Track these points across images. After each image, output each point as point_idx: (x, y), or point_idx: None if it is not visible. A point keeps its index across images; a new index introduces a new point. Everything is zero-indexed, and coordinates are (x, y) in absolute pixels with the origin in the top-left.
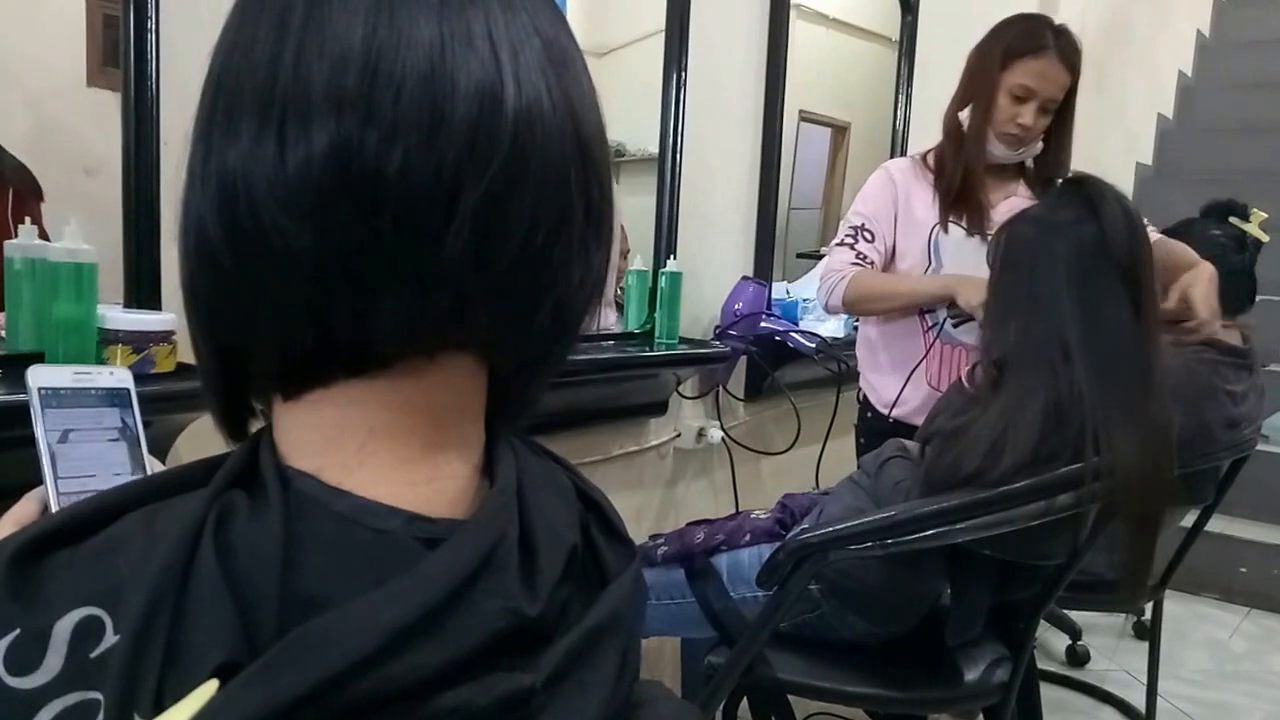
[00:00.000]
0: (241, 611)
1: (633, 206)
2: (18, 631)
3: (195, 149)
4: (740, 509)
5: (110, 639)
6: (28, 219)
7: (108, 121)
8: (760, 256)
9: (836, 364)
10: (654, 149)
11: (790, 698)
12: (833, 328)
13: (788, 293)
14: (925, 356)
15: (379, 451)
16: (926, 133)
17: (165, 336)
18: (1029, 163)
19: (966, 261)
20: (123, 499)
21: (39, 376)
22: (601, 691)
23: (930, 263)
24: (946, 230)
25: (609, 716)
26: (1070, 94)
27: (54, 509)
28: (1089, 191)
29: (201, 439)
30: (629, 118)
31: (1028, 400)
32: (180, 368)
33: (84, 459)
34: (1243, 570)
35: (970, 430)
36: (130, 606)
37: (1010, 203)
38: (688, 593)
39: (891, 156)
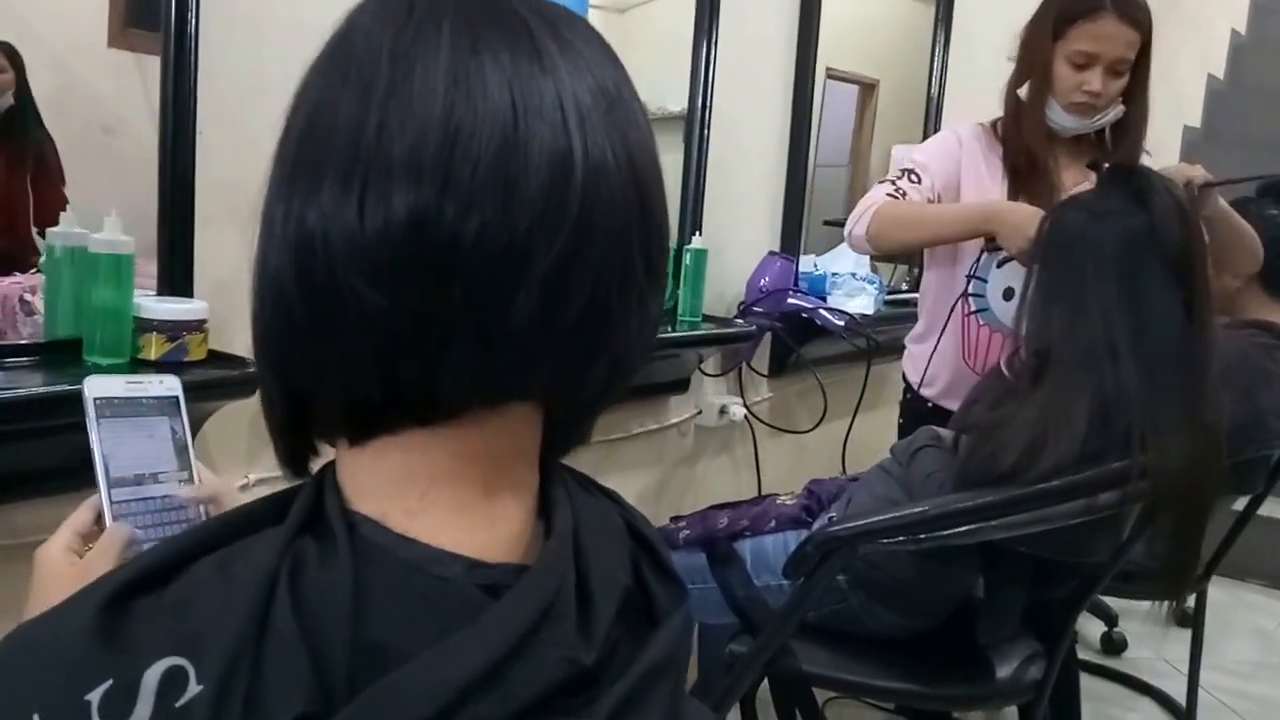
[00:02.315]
0: (315, 661)
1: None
2: (111, 682)
3: (274, 202)
4: (763, 488)
5: (194, 689)
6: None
7: (128, 82)
8: (788, 228)
9: (865, 340)
10: (673, 107)
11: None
12: (862, 304)
13: (815, 266)
14: (945, 325)
15: (441, 498)
16: (965, 94)
17: (198, 325)
18: (1106, 134)
19: None
20: (197, 543)
21: (94, 387)
22: None
23: (990, 245)
24: None
25: None
26: (1143, 52)
27: (107, 516)
28: (1138, 183)
29: (228, 424)
30: (649, 75)
31: (1072, 399)
32: (211, 355)
33: (135, 467)
34: None
35: (1009, 425)
36: (212, 657)
37: (1080, 187)
38: (708, 578)
39: (927, 118)
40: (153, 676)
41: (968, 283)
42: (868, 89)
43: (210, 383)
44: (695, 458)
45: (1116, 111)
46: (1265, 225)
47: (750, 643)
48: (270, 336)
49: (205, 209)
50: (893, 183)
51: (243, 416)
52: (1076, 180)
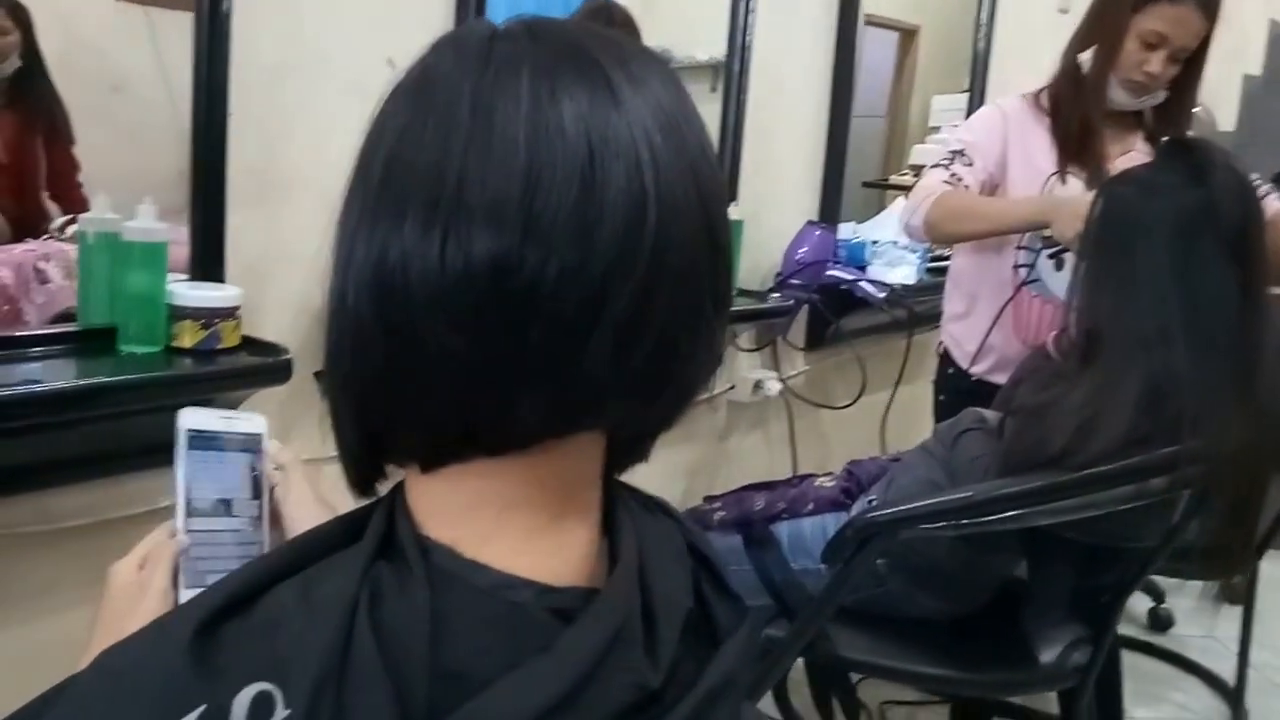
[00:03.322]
0: (396, 687)
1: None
2: (203, 708)
3: (354, 234)
4: (798, 465)
5: (281, 713)
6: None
7: (136, 39)
8: (828, 194)
9: (907, 311)
10: (702, 56)
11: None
12: (903, 274)
13: (855, 233)
14: (1007, 303)
15: (511, 524)
16: (1014, 48)
17: (231, 312)
18: (1146, 113)
19: None
20: (275, 568)
21: (189, 419)
22: None
23: None
24: (1064, 181)
25: None
26: (1204, 43)
27: (180, 534)
28: (1197, 157)
29: (258, 408)
30: (678, 21)
31: (1121, 382)
32: (244, 340)
33: (212, 498)
34: None
35: (1056, 408)
36: (298, 683)
37: (1128, 157)
38: (744, 560)
39: (974, 71)
40: (242, 701)
41: (1018, 254)
42: (908, 35)
43: (244, 370)
44: (728, 434)
45: (1159, 96)
46: None
47: (786, 627)
48: (346, 371)
49: (235, 192)
50: (945, 167)
51: (273, 401)
52: (1123, 152)
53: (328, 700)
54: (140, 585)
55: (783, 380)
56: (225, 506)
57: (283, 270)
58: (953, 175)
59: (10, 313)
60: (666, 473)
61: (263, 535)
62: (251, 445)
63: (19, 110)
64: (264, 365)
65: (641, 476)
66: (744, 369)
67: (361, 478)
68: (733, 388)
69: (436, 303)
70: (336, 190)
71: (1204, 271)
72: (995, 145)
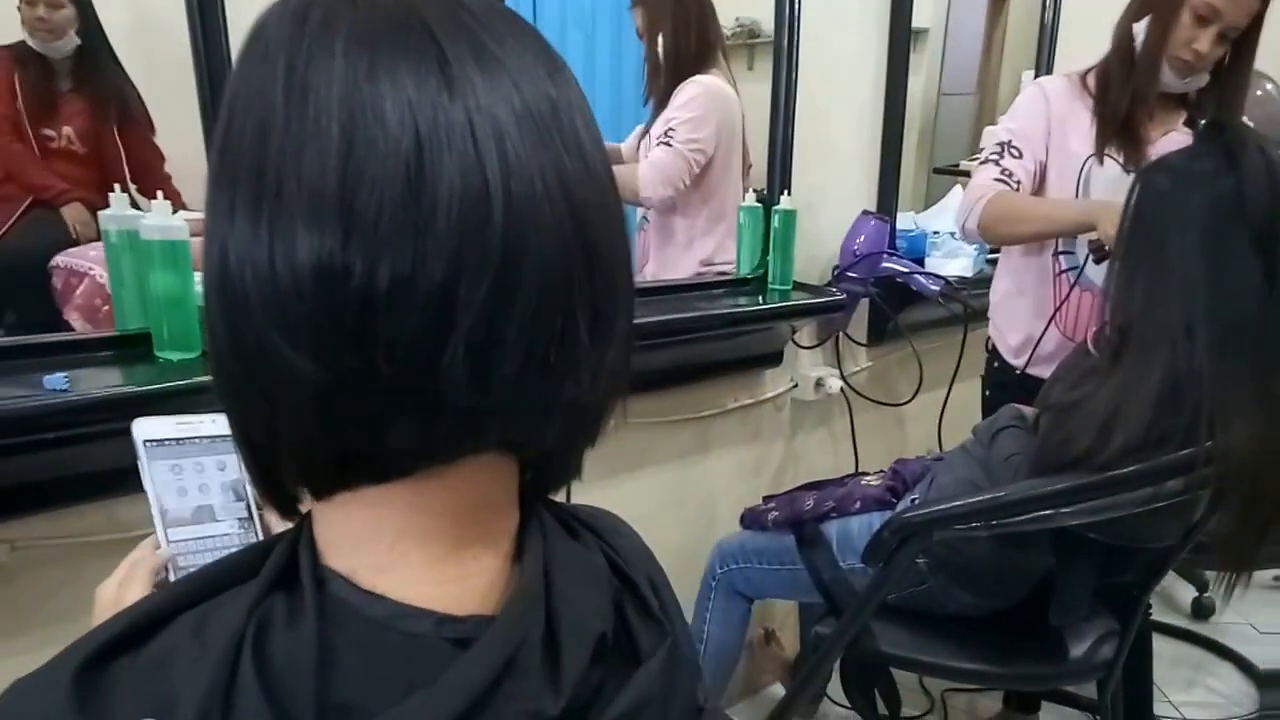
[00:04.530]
0: None
1: (757, 95)
2: None
3: (206, 222)
4: (859, 463)
5: None
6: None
7: None
8: (885, 181)
9: (963, 306)
10: (729, 26)
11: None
12: (961, 266)
13: (914, 224)
14: (1060, 304)
15: (409, 553)
16: (1085, 18)
17: None
18: (1191, 95)
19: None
20: (177, 600)
21: (143, 429)
22: None
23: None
24: (1101, 163)
25: None
26: (1256, 22)
27: (163, 546)
28: (1230, 140)
29: None
30: None
31: (1144, 378)
32: None
33: (191, 505)
34: None
35: (1084, 406)
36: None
37: (1170, 139)
38: (798, 558)
39: (1040, 42)
40: None
41: (1058, 241)
42: (996, 4)
43: None
44: (792, 432)
45: (1203, 79)
46: None
47: (834, 624)
48: (220, 388)
49: None
50: (995, 163)
51: None
52: (1164, 134)
53: None
54: (116, 604)
55: (844, 377)
56: (208, 512)
57: None
58: (1003, 172)
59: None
60: (734, 472)
61: (255, 535)
62: (221, 448)
63: (87, 94)
64: None
65: (711, 477)
66: (805, 366)
67: (273, 498)
68: (795, 386)
69: (273, 313)
70: None
71: (1231, 262)
72: (1039, 128)
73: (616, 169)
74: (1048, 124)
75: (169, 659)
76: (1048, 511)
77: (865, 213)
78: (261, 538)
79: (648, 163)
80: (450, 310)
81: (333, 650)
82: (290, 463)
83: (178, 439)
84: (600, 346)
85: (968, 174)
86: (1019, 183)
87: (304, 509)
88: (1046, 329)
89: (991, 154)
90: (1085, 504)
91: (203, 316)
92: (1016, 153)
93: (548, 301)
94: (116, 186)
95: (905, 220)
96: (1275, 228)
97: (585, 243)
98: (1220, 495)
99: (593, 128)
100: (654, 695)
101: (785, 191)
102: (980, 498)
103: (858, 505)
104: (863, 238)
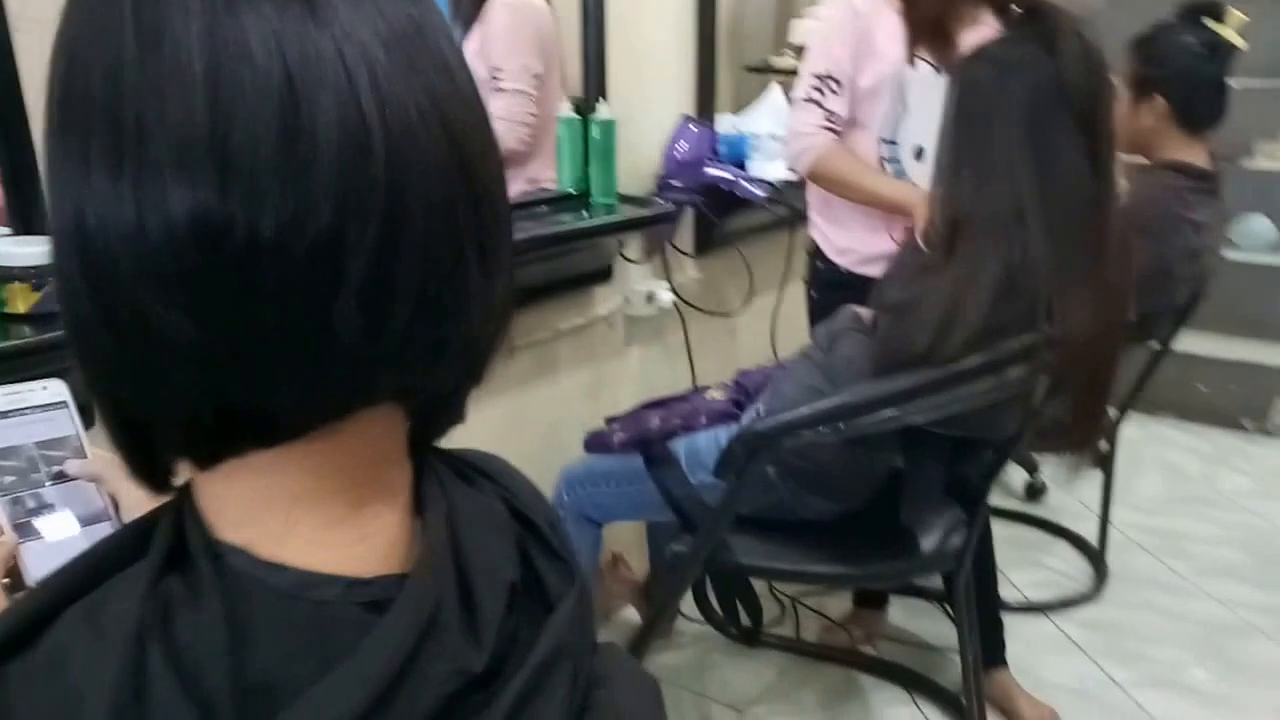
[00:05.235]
0: (201, 710)
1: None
2: None
3: (50, 173)
4: (696, 376)
5: None
6: None
7: None
8: (703, 85)
9: (789, 209)
10: None
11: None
12: (783, 168)
13: (734, 127)
14: None
15: (305, 518)
16: None
17: None
18: None
19: (933, 104)
20: (60, 593)
21: None
22: (556, 717)
23: (896, 107)
24: (914, 65)
25: None
26: None
27: (6, 529)
28: (1045, 25)
29: None
30: None
31: (979, 269)
32: None
33: (30, 476)
34: (1200, 388)
35: (922, 303)
36: (94, 717)
37: (979, 34)
38: (647, 478)
39: None
40: None
41: (882, 147)
42: None
43: None
44: (628, 350)
45: None
46: (1179, 54)
47: (690, 541)
48: (79, 353)
49: (37, 103)
50: (818, 104)
51: None
52: (973, 29)
53: None
54: None
55: (675, 289)
56: (48, 475)
57: None
58: (828, 116)
59: None
60: (573, 396)
61: (81, 474)
62: (55, 410)
63: None
64: None
65: (550, 404)
66: (635, 281)
67: (143, 473)
68: (627, 302)
69: (145, 274)
70: None
71: (1056, 147)
72: (852, 49)
73: None
74: (858, 40)
75: (63, 656)
76: (895, 411)
77: (686, 118)
78: (107, 498)
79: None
80: (338, 255)
81: (241, 627)
82: (170, 431)
83: (6, 410)
84: (489, 280)
85: (781, 72)
86: (844, 121)
87: (177, 482)
88: (849, 221)
89: (812, 91)
90: (932, 399)
91: (52, 284)
92: (835, 86)
93: (436, 236)
94: None
95: (724, 123)
96: (1096, 109)
97: (465, 168)
98: (1060, 380)
99: (455, 46)
100: (570, 641)
101: (602, 99)
102: (827, 403)
103: (703, 420)
104: (685, 145)
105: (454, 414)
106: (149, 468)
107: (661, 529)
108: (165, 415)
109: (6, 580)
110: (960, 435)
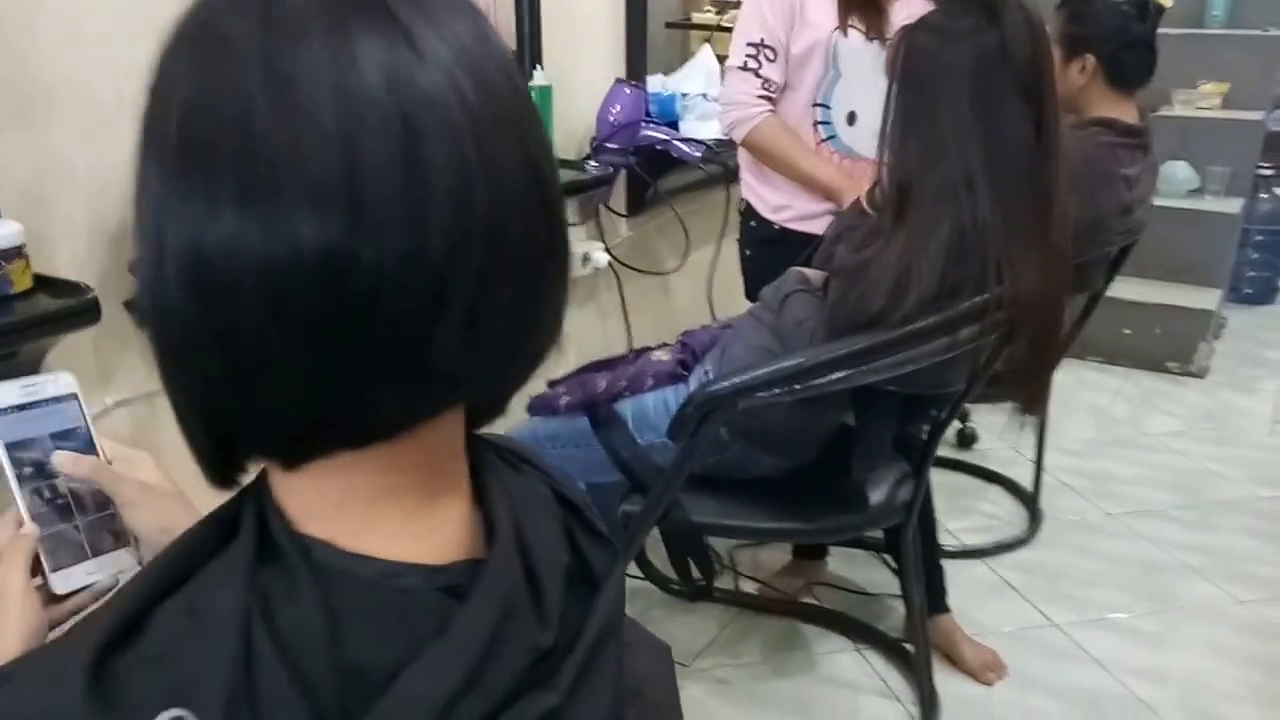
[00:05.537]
0: (306, 693)
1: None
2: None
3: (160, 204)
4: (633, 337)
5: None
6: None
7: None
8: (633, 47)
9: (723, 167)
10: None
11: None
12: (715, 129)
13: (664, 87)
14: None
15: (387, 511)
16: None
17: (16, 252)
18: None
19: (865, 70)
20: (155, 587)
21: None
22: (609, 688)
23: (828, 72)
24: (846, 34)
25: (615, 703)
26: None
27: (26, 520)
28: None
29: (71, 354)
30: None
31: (931, 233)
32: (38, 281)
33: (46, 468)
34: (1126, 332)
35: (874, 266)
36: (211, 702)
37: (909, 4)
38: (593, 440)
39: None
40: None
41: (815, 110)
42: None
43: (46, 317)
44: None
45: None
46: (1109, 14)
47: (641, 501)
48: (181, 374)
49: None
50: (755, 73)
51: (85, 343)
52: (909, 12)
53: (243, 715)
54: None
55: (609, 250)
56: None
57: (64, 193)
58: (765, 84)
59: None
60: None
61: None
62: (65, 402)
63: None
64: (68, 309)
65: None
66: (570, 243)
67: (219, 476)
68: None
69: (270, 302)
70: (110, 90)
71: (1002, 114)
72: (785, 16)
73: None
74: (792, 8)
75: (173, 647)
76: (851, 371)
77: (619, 81)
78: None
79: None
80: (447, 283)
81: (336, 615)
82: (263, 439)
83: (22, 404)
84: (563, 290)
85: (703, 28)
86: (779, 88)
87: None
88: (782, 181)
89: (748, 59)
90: (888, 359)
91: (149, 301)
92: (770, 54)
93: (525, 257)
94: None
95: (654, 83)
96: (1039, 78)
97: (542, 189)
98: (1010, 337)
99: (515, 66)
100: (618, 617)
101: (538, 66)
102: (786, 364)
103: (651, 382)
104: (618, 107)
105: (501, 407)
106: (226, 470)
107: (605, 490)
108: (267, 427)
109: (38, 581)
110: (913, 393)
